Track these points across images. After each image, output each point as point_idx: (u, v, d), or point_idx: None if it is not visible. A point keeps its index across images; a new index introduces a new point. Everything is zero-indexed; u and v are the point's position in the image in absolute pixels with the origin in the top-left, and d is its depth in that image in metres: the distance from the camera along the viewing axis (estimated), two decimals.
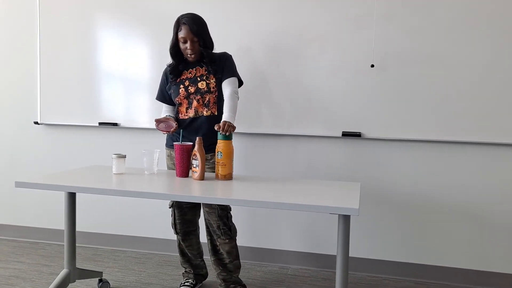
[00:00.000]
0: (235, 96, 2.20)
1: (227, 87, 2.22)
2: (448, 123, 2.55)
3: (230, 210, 2.30)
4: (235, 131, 2.72)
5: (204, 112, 2.24)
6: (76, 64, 3.03)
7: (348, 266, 1.69)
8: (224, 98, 2.20)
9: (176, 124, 2.19)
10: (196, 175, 1.97)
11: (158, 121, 2.18)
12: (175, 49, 2.24)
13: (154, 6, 2.85)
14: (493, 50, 2.46)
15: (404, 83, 2.58)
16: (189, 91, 2.24)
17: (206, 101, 2.23)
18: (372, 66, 2.59)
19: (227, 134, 1.99)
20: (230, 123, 2.03)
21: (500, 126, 2.49)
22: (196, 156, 1.96)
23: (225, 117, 2.11)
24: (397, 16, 2.55)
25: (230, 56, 2.31)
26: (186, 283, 2.42)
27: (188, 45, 2.18)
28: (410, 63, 2.56)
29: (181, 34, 2.17)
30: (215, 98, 2.23)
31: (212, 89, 2.22)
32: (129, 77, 2.94)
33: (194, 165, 1.97)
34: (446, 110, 2.54)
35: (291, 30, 2.69)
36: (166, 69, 2.35)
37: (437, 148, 2.63)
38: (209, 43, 2.23)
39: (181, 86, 2.26)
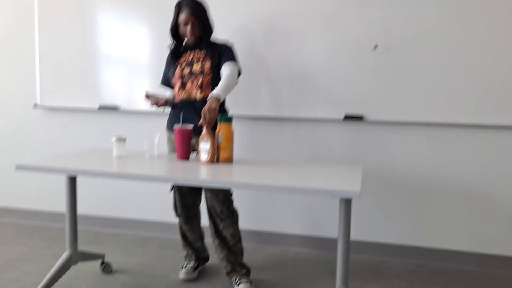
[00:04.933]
0: (231, 76, 2.14)
1: (225, 69, 2.18)
2: (452, 105, 2.52)
3: (232, 194, 2.29)
4: (233, 114, 2.71)
5: (198, 94, 2.21)
6: (75, 47, 2.99)
7: (349, 249, 1.69)
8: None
9: (163, 99, 2.20)
10: (207, 158, 1.94)
11: (147, 95, 2.18)
12: (175, 31, 2.24)
13: None
14: (499, 30, 2.42)
15: (408, 65, 2.54)
16: (184, 72, 2.22)
17: (199, 83, 2.20)
18: (376, 47, 2.55)
19: (208, 123, 1.94)
20: (210, 107, 1.94)
21: (505, 108, 2.46)
22: (206, 139, 1.93)
23: (212, 93, 2.03)
24: None
25: (232, 44, 2.30)
26: (188, 266, 2.43)
27: (188, 27, 2.18)
28: (414, 44, 2.52)
29: (182, 17, 2.17)
30: (209, 80, 2.21)
31: (206, 71, 2.20)
32: (129, 60, 2.91)
33: (204, 148, 1.94)
34: (450, 92, 2.51)
35: (292, 10, 2.64)
36: (169, 53, 2.34)
37: (440, 131, 2.60)
38: (209, 27, 2.23)
39: (178, 67, 2.25)
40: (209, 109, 1.94)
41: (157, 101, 2.19)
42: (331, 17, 2.60)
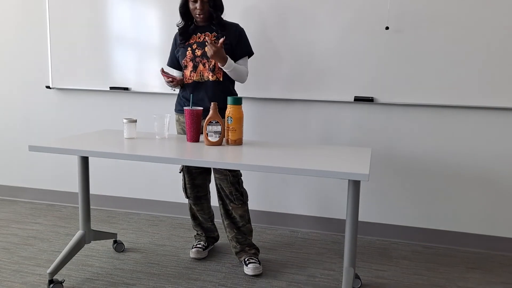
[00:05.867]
0: (244, 73, 2.24)
1: (241, 64, 2.25)
2: (463, 87, 2.49)
3: (241, 176, 2.31)
4: (243, 96, 2.71)
5: (210, 77, 2.22)
6: (86, 29, 3.00)
7: (357, 230, 1.71)
8: None
9: (178, 78, 2.22)
10: (216, 140, 1.96)
11: (164, 71, 2.20)
12: (184, 8, 2.22)
13: None
14: None
15: (419, 46, 2.51)
16: (196, 53, 2.22)
17: (211, 65, 2.20)
18: (387, 28, 2.52)
19: (213, 45, 2.04)
20: (220, 50, 2.06)
21: None
22: (215, 121, 1.94)
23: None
24: None
25: (243, 29, 2.29)
26: (198, 245, 2.48)
27: (198, 5, 2.15)
28: (426, 25, 2.48)
29: None
30: None
31: None
32: (140, 41, 2.91)
33: (213, 131, 1.95)
34: (461, 74, 2.48)
35: None
36: (176, 34, 2.33)
37: (450, 113, 2.58)
38: (219, 5, 2.21)
39: (189, 48, 2.24)
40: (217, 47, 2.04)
41: (172, 79, 2.19)
42: None
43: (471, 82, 2.48)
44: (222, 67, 2.14)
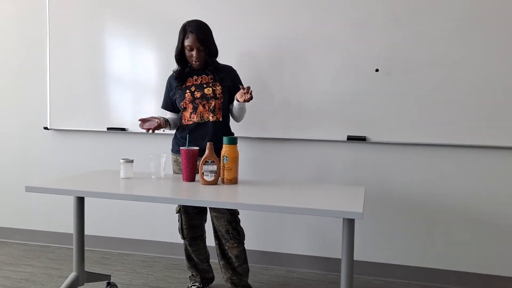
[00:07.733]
0: (244, 113, 2.38)
1: None
2: (454, 127, 2.55)
3: (238, 214, 2.32)
4: (239, 135, 2.76)
5: (210, 118, 2.27)
6: (84, 70, 3.08)
7: (352, 269, 1.70)
8: None
9: (159, 120, 2.22)
10: (212, 179, 1.98)
11: (142, 121, 2.21)
12: (180, 56, 2.28)
13: (161, 12, 2.90)
14: (497, 53, 2.47)
15: (408, 87, 2.59)
16: (195, 95, 2.27)
17: (211, 106, 2.26)
18: (377, 70, 2.61)
19: (248, 96, 2.10)
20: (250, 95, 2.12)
21: (507, 129, 2.49)
22: (211, 161, 1.97)
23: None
24: (401, 20, 2.57)
25: (236, 71, 2.39)
26: (193, 286, 2.44)
27: (194, 53, 2.22)
28: (415, 67, 2.57)
29: (187, 42, 2.21)
30: (220, 104, 2.27)
31: (218, 95, 2.25)
32: (137, 82, 2.98)
33: (209, 170, 1.97)
34: (452, 114, 2.55)
35: (295, 35, 2.71)
36: (170, 77, 2.40)
37: (442, 152, 2.63)
38: (214, 51, 2.29)
39: (187, 91, 2.29)
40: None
41: (149, 128, 2.19)
42: (333, 42, 2.67)
43: (460, 121, 2.54)
44: (239, 102, 2.22)
